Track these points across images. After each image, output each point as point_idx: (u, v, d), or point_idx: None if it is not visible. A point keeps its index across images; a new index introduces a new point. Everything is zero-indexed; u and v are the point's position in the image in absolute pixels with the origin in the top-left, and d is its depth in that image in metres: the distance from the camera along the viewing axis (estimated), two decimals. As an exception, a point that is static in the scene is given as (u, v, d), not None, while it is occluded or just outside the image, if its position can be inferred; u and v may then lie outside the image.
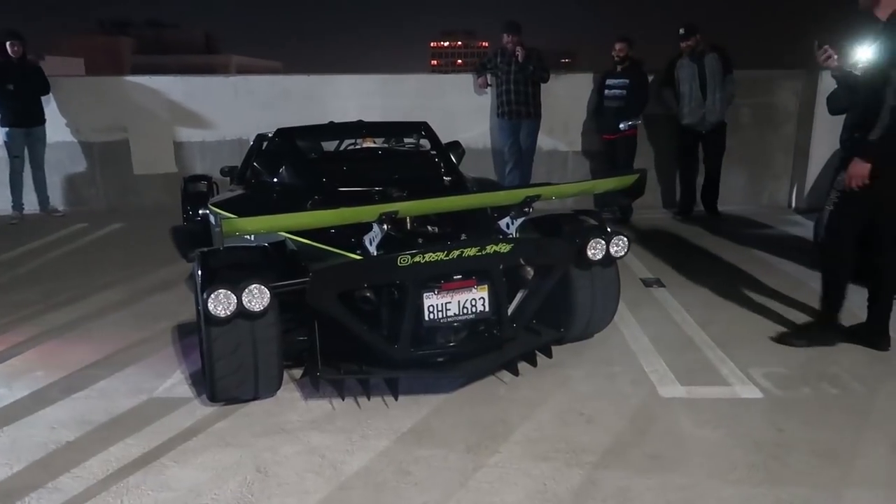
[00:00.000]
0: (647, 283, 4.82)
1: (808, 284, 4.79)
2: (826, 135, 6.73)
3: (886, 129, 3.22)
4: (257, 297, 2.75)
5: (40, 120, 6.99)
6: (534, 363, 3.36)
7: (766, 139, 7.45)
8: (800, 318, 4.14)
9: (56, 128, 7.22)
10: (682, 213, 7.17)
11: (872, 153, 3.29)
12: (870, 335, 3.68)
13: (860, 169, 3.32)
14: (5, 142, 6.89)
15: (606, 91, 6.95)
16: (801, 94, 7.31)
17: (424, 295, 2.92)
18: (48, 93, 7.07)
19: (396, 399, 3.09)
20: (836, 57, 3.81)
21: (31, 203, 7.16)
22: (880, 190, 3.36)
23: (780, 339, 3.79)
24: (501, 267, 3.02)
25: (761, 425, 2.90)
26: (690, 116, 6.76)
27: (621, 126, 6.82)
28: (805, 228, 6.53)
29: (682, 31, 6.74)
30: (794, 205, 7.44)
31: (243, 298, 2.73)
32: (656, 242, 5.97)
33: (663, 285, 4.78)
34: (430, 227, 3.33)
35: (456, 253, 2.84)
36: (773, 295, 4.56)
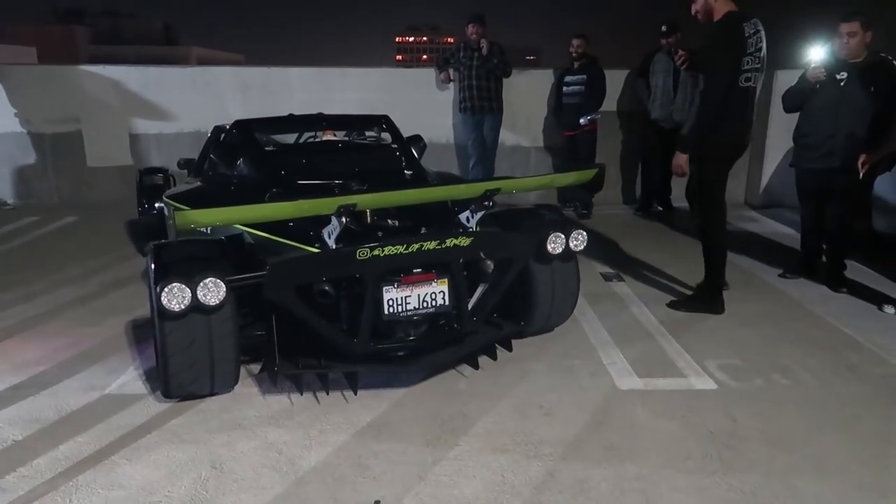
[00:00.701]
0: (606, 278, 4.88)
1: (761, 277, 4.92)
2: (781, 133, 6.90)
3: (691, 127, 4.01)
4: (213, 291, 2.70)
5: (-12, 109, 6.76)
6: (494, 357, 3.37)
7: (724, 137, 7.57)
8: (754, 309, 4.24)
9: (5, 118, 6.99)
10: (643, 210, 7.29)
11: (687, 145, 3.98)
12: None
13: (679, 160, 3.99)
14: (-50, 132, 6.65)
15: (565, 88, 7.02)
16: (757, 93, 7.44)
17: (384, 288, 2.90)
18: (-4, 81, 6.83)
19: (356, 394, 3.07)
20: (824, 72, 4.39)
21: (-23, 196, 6.92)
22: (697, 171, 4.07)
23: (670, 305, 4.28)
24: (461, 260, 3.01)
25: (715, 416, 2.96)
26: (659, 111, 6.85)
27: (581, 121, 6.88)
28: (760, 224, 6.70)
29: (664, 27, 6.82)
30: (750, 201, 7.60)
31: (198, 292, 2.68)
32: (616, 237, 6.05)
33: (623, 279, 4.84)
34: (390, 221, 3.31)
35: (416, 246, 2.83)
36: (728, 288, 4.65)
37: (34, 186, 7.32)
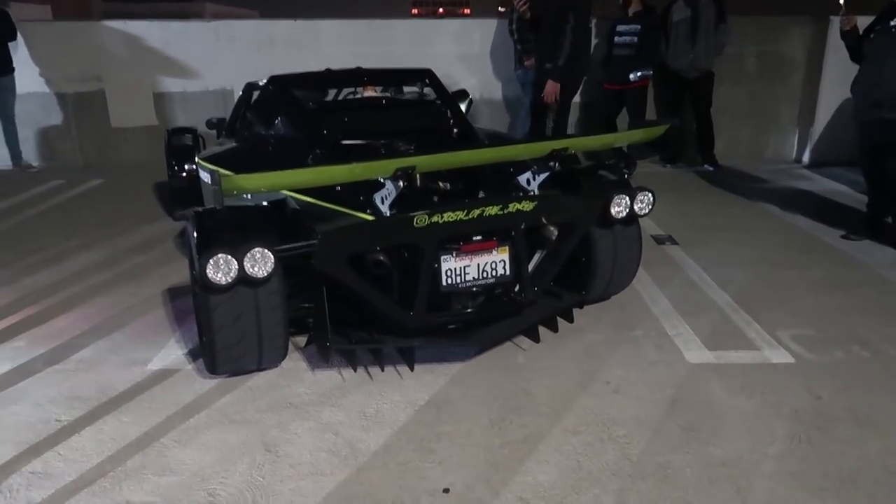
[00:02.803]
0: (659, 241, 4.63)
1: (820, 239, 4.65)
2: (834, 85, 6.51)
3: (566, 58, 4.77)
4: (260, 262, 2.51)
5: (8, 69, 6.53)
6: (555, 329, 3.17)
7: (772, 90, 7.19)
8: (820, 275, 3.99)
9: (26, 77, 6.76)
10: (666, 160, 7.00)
11: (560, 75, 4.76)
12: None
13: (553, 87, 4.85)
14: (-29, 92, 6.45)
15: (617, 38, 6.55)
16: (809, 41, 7.03)
17: (442, 258, 2.69)
18: (15, 38, 6.59)
19: (412, 370, 2.89)
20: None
21: (2, 158, 6.76)
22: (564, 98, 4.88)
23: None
24: (524, 226, 2.79)
25: (797, 392, 2.75)
26: (678, 61, 6.51)
27: (630, 76, 6.47)
28: (814, 182, 6.37)
29: None
30: (801, 159, 7.23)
31: (245, 264, 2.49)
32: (662, 198, 5.70)
33: (676, 242, 4.59)
34: (441, 184, 3.08)
35: (477, 212, 2.60)
36: (789, 252, 4.40)
37: (58, 148, 7.14)
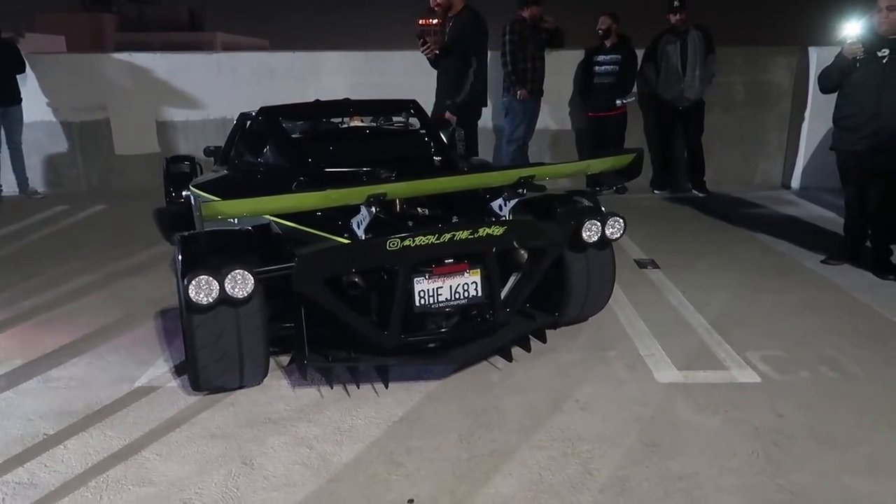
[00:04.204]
0: (641, 265, 4.74)
1: (800, 263, 4.75)
2: (819, 113, 6.65)
3: (465, 96, 5.18)
4: (241, 284, 2.64)
5: (16, 99, 6.78)
6: (528, 348, 3.28)
7: (760, 117, 7.36)
8: (796, 298, 4.09)
9: (34, 107, 7.01)
10: (656, 187, 7.18)
11: (458, 109, 5.15)
12: None
13: (451, 118, 5.16)
14: (-21, 122, 6.68)
15: (597, 68, 6.84)
16: (795, 70, 7.20)
17: (415, 280, 2.82)
18: (24, 71, 6.84)
19: (387, 387, 3.00)
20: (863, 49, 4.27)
21: (9, 184, 6.97)
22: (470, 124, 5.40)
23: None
24: (494, 250, 2.91)
25: (760, 411, 2.83)
26: (669, 91, 6.72)
27: (618, 102, 6.76)
28: (799, 208, 6.49)
29: (676, 2, 6.60)
30: (788, 184, 7.36)
31: (226, 285, 2.62)
32: (649, 223, 5.89)
33: (658, 266, 4.70)
34: (420, 209, 3.22)
35: (447, 236, 2.73)
36: (768, 275, 4.51)
37: (63, 175, 7.35)
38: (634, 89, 6.99)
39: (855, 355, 3.32)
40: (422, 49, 5.26)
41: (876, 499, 2.28)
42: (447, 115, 5.04)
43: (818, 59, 6.77)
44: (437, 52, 5.36)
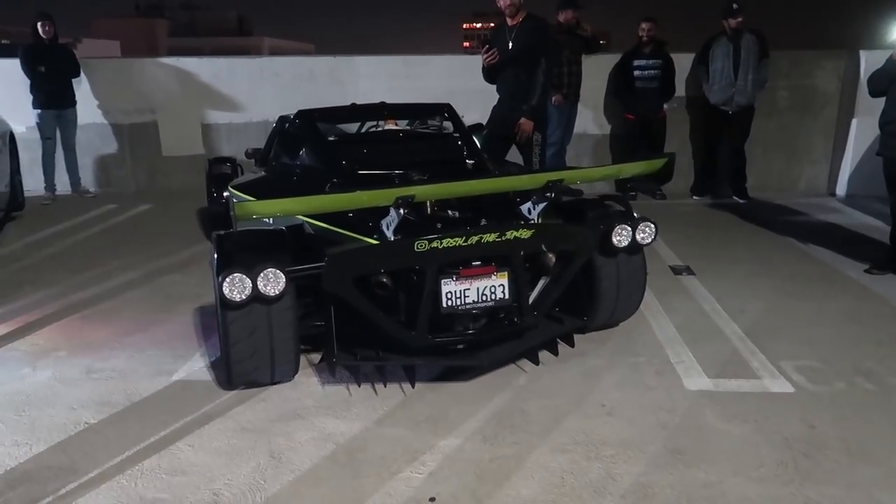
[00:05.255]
0: (676, 271, 4.69)
1: (842, 272, 4.63)
2: (868, 118, 6.46)
3: (538, 99, 5.01)
4: (273, 282, 2.72)
5: (71, 102, 7.06)
6: (555, 352, 3.28)
7: (805, 123, 7.18)
8: (835, 307, 3.99)
9: (87, 109, 7.29)
10: (696, 193, 7.06)
11: (534, 114, 5.04)
12: None
13: (528, 126, 5.03)
14: (37, 124, 6.97)
15: (638, 72, 6.78)
16: (843, 75, 7.01)
17: (442, 281, 2.85)
18: (79, 75, 7.12)
19: (413, 387, 3.04)
20: None
21: (63, 184, 7.25)
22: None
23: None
24: (522, 253, 2.93)
25: (791, 421, 2.78)
26: (719, 95, 6.60)
27: (665, 106, 6.75)
28: (844, 216, 6.31)
29: (735, 5, 6.49)
30: (833, 191, 7.17)
31: (259, 283, 2.70)
32: (687, 229, 5.81)
33: (693, 273, 4.64)
34: (450, 212, 3.25)
35: (475, 238, 2.76)
36: (807, 284, 4.41)
37: (113, 175, 7.62)
38: (679, 93, 6.94)
39: (894, 367, 3.23)
40: (486, 55, 5.04)
41: (907, 514, 2.22)
42: (523, 121, 4.96)
43: (868, 62, 6.59)
44: (498, 58, 5.06)
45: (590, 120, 7.30)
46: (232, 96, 7.43)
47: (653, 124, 6.85)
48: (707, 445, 2.63)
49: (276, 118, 4.99)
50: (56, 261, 5.12)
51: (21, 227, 6.06)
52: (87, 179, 7.51)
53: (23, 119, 6.94)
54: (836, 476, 2.43)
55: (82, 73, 7.19)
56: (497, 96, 5.30)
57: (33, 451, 2.61)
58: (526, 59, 4.97)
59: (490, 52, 5.06)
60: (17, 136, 6.55)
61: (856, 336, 3.61)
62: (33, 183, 7.09)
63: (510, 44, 5.07)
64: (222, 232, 3.01)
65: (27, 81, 6.85)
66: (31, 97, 6.88)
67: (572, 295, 3.34)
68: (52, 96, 6.91)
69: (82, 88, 7.25)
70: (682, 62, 6.99)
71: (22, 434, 2.73)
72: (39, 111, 6.91)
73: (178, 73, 7.43)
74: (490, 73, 5.29)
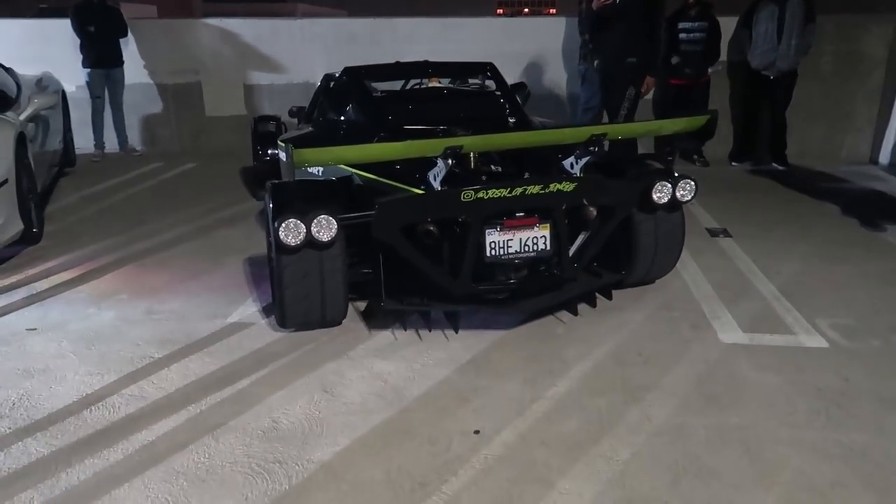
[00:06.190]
0: (713, 233, 4.72)
1: (884, 238, 4.62)
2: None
3: (657, 54, 5.32)
4: (325, 228, 2.86)
5: (119, 62, 7.23)
6: (593, 304, 3.38)
7: (849, 89, 7.05)
8: (873, 271, 4.01)
9: (133, 70, 7.46)
10: (734, 159, 7.03)
11: (655, 70, 5.35)
12: None
13: (652, 82, 5.39)
14: (87, 83, 7.16)
15: (683, 35, 6.66)
16: (891, 40, 6.85)
17: (486, 231, 2.96)
18: (126, 35, 7.28)
19: (457, 332, 3.18)
20: None
21: (111, 142, 7.47)
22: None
23: None
24: (564, 206, 3.02)
25: (825, 374, 2.86)
26: (760, 59, 6.50)
27: (710, 70, 6.68)
28: (886, 183, 6.24)
29: None
30: (876, 159, 7.06)
31: (312, 228, 2.84)
32: (725, 193, 5.81)
33: (730, 235, 4.68)
34: (493, 166, 3.35)
35: (519, 190, 2.86)
36: (844, 247, 4.42)
37: (159, 134, 7.83)
38: (722, 57, 6.85)
39: (931, 327, 3.27)
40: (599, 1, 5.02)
41: (936, 458, 2.30)
42: (649, 78, 5.14)
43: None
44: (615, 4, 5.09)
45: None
46: (273, 57, 7.54)
47: (695, 88, 6.78)
48: (741, 393, 2.72)
49: (318, 79, 5.10)
50: (109, 214, 5.34)
51: (74, 183, 6.30)
52: (134, 138, 7.72)
53: (73, 78, 7.14)
54: (866, 423, 2.51)
55: (129, 34, 7.35)
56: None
57: (105, 381, 2.82)
58: (638, 12, 4.98)
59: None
60: (67, 94, 6.76)
61: (893, 298, 3.63)
62: (82, 141, 7.31)
63: None
64: (276, 181, 3.15)
65: (77, 41, 7.04)
66: (80, 57, 7.07)
67: (611, 250, 3.42)
68: (101, 56, 7.09)
69: (129, 49, 7.42)
70: (726, 25, 6.87)
71: (94, 365, 2.94)
72: (89, 70, 7.10)
73: (222, 35, 7.55)
74: (593, 23, 5.27)
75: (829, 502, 2.09)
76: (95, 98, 7.19)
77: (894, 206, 5.48)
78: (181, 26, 7.75)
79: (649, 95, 6.01)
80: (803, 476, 2.21)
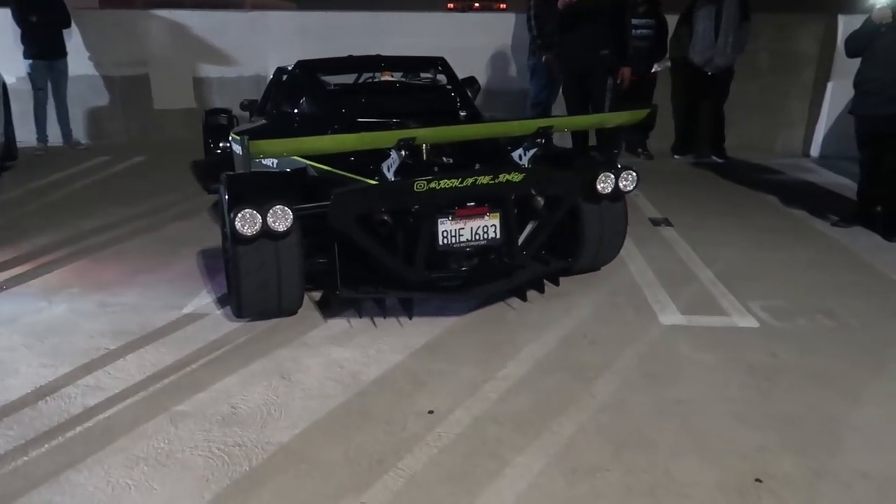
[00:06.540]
0: (655, 223, 4.93)
1: (812, 226, 4.91)
2: (843, 81, 6.70)
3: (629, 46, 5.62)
4: (281, 218, 2.91)
5: (62, 53, 7.06)
6: (542, 290, 3.53)
7: (784, 85, 7.41)
8: (803, 257, 4.27)
9: (78, 62, 7.30)
10: (677, 152, 7.30)
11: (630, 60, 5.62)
12: None
13: (627, 72, 5.65)
14: (29, 74, 6.98)
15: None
16: (821, 38, 7.22)
17: (439, 220, 3.06)
18: (69, 25, 7.12)
19: (411, 318, 3.27)
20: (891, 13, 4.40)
21: (54, 135, 7.30)
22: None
23: None
24: (513, 196, 3.14)
25: (756, 351, 3.06)
26: (699, 56, 6.78)
27: (656, 67, 6.88)
28: (817, 174, 6.59)
29: None
30: (808, 152, 7.44)
31: (268, 218, 2.89)
32: (667, 185, 6.05)
33: (671, 225, 4.89)
34: (445, 158, 3.45)
35: (470, 180, 2.97)
36: (777, 235, 4.68)
37: (105, 127, 7.67)
38: (668, 54, 7.10)
39: (853, 308, 3.52)
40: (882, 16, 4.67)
41: (852, 423, 2.52)
42: (624, 69, 5.28)
43: (845, 26, 6.78)
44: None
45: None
46: (224, 50, 7.48)
47: (643, 84, 6.98)
48: (679, 370, 2.90)
49: (269, 72, 5.11)
50: (57, 208, 5.25)
51: (17, 177, 6.15)
52: (79, 131, 7.56)
53: (13, 69, 6.95)
54: (793, 396, 2.71)
55: (73, 25, 7.19)
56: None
57: (59, 372, 2.82)
58: (605, 6, 5.13)
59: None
60: (7, 86, 6.57)
61: (820, 281, 3.89)
62: (25, 134, 7.11)
63: None
64: (232, 173, 3.19)
65: (18, 31, 6.85)
66: (21, 47, 6.88)
67: (559, 238, 3.57)
68: (44, 47, 6.92)
69: (73, 40, 7.25)
70: (670, 23, 7.13)
71: (47, 357, 2.94)
72: (30, 61, 6.92)
73: (170, 26, 7.45)
74: (562, 20, 5.45)
75: (755, 464, 2.26)
76: (38, 90, 7.02)
77: (824, 196, 5.80)
78: (128, 17, 7.64)
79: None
80: (733, 444, 2.39)
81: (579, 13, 5.32)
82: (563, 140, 5.55)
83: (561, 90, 6.36)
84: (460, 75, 4.67)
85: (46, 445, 2.34)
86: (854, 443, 2.41)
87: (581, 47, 5.46)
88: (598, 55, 5.33)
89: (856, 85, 4.71)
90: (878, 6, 4.47)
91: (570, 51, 5.56)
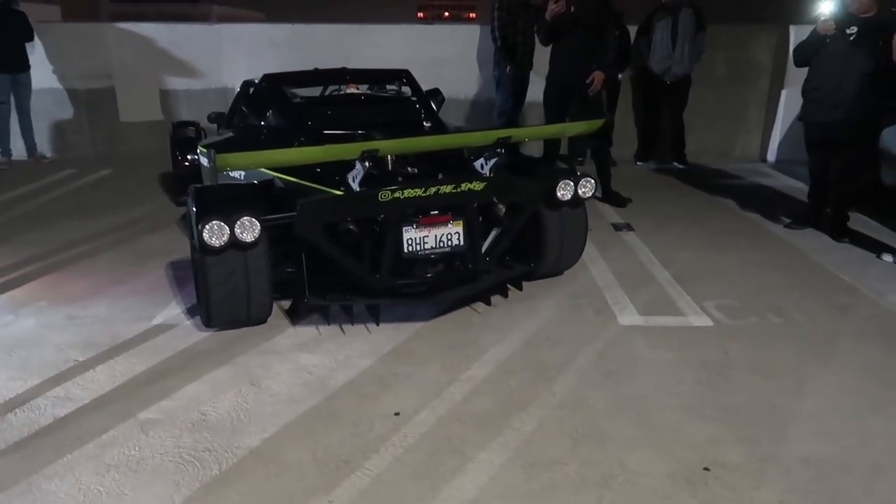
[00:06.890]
0: (617, 228, 5.09)
1: (768, 229, 5.11)
2: (796, 90, 6.93)
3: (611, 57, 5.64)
4: (248, 228, 2.98)
5: (25, 66, 7.02)
6: (505, 295, 3.64)
7: (740, 93, 7.67)
8: (757, 257, 4.45)
9: (42, 74, 7.25)
10: (639, 159, 7.51)
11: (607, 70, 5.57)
12: None
13: (601, 77, 5.45)
14: (-9, 87, 6.93)
15: None
16: (774, 48, 7.50)
17: (403, 228, 3.16)
18: (32, 39, 7.08)
19: (378, 325, 3.36)
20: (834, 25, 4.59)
21: (18, 149, 7.24)
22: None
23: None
24: (475, 204, 3.25)
25: (709, 348, 3.20)
26: (658, 66, 7.01)
27: (619, 77, 7.05)
28: (773, 179, 6.83)
29: None
30: (765, 157, 7.70)
31: (235, 229, 2.96)
32: (629, 192, 6.20)
33: (633, 229, 5.05)
34: (409, 168, 3.55)
35: (433, 189, 3.07)
36: (733, 237, 4.87)
37: (71, 141, 7.62)
38: (631, 63, 7.30)
39: (801, 305, 3.69)
40: (554, 5, 5.17)
41: (796, 413, 2.66)
42: (597, 72, 5.34)
43: (797, 36, 7.05)
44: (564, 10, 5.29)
45: (541, 89, 7.61)
46: (190, 62, 7.50)
47: (609, 93, 7.17)
48: (635, 368, 3.03)
49: (236, 85, 5.16)
50: (22, 222, 5.22)
51: (-19, 191, 6.10)
52: (44, 145, 7.50)
53: (-25, 83, 6.89)
54: (742, 389, 2.85)
55: (36, 38, 7.15)
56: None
57: (29, 384, 2.84)
58: (591, 18, 5.21)
59: (559, 2, 5.20)
60: (-30, 100, 6.52)
61: (772, 281, 4.06)
62: (-13, 148, 7.06)
63: (571, 7, 5.27)
64: (199, 185, 3.25)
65: (-21, 45, 6.80)
66: (-17, 61, 6.83)
67: (521, 244, 3.69)
68: (6, 60, 6.87)
69: (36, 53, 7.21)
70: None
71: (15, 370, 2.96)
72: (-7, 75, 6.87)
73: (136, 39, 7.44)
74: (550, 31, 5.49)
75: (705, 454, 2.39)
76: (1, 104, 6.96)
77: (778, 199, 6.03)
78: (92, 30, 7.61)
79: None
80: (685, 435, 2.52)
81: (568, 25, 5.42)
82: (534, 150, 5.70)
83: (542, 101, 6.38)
84: (427, 86, 4.79)
85: (16, 455, 2.38)
86: (797, 431, 2.55)
87: (569, 59, 5.52)
88: (587, 68, 5.39)
89: (803, 93, 4.92)
90: (822, 18, 4.70)
91: (558, 62, 5.64)
